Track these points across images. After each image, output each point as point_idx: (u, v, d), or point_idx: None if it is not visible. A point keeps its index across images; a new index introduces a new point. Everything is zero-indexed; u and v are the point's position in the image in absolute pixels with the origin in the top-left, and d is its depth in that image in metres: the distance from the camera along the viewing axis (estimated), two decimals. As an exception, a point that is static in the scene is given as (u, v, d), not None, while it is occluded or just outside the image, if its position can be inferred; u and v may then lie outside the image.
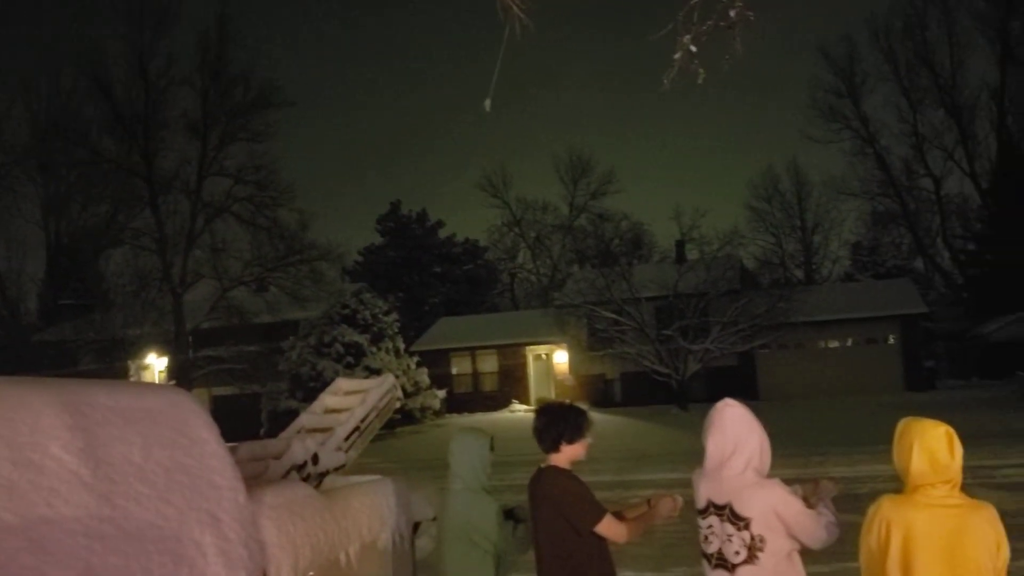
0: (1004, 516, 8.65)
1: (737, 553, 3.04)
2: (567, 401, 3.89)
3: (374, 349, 28.67)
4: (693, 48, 3.52)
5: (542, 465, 3.71)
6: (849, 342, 32.35)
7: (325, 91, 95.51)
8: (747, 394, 30.34)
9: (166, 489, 2.97)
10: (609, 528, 3.51)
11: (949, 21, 48.83)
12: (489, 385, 34.88)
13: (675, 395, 28.63)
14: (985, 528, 2.82)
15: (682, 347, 28.37)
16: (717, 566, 3.12)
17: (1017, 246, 42.04)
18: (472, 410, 31.75)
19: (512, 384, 34.49)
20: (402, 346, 30.12)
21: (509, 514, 4.04)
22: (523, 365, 34.82)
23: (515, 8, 3.33)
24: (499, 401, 33.45)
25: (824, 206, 57.22)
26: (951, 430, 2.91)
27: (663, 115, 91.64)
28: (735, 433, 3.14)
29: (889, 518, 2.94)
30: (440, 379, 32.21)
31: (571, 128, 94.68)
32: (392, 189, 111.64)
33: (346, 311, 29.15)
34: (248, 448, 4.62)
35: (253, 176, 33.20)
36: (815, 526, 3.08)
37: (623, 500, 6.73)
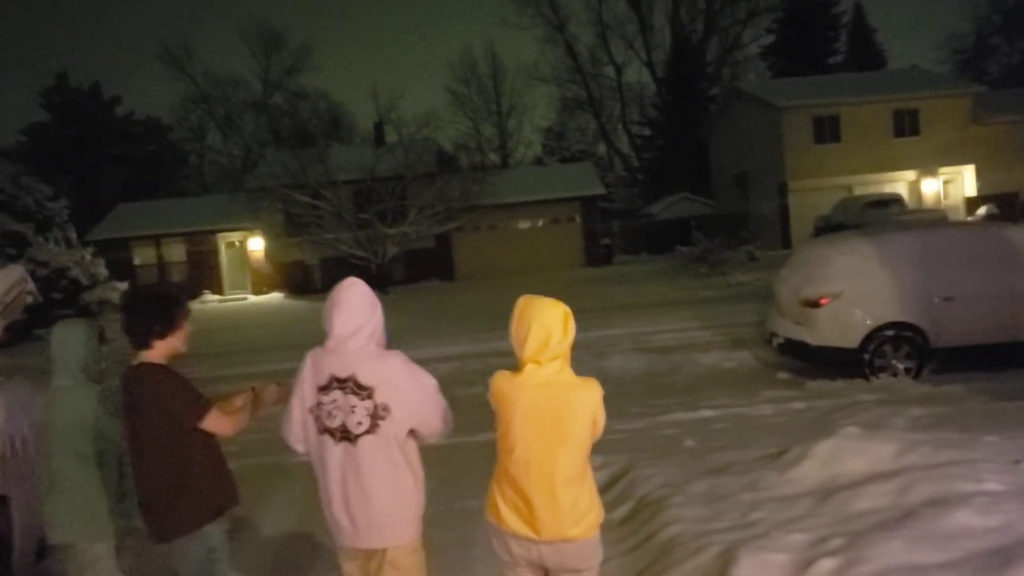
0: (656, 376, 9.55)
1: (360, 424, 3.04)
2: (165, 289, 3.59)
3: (40, 239, 25.80)
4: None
5: (133, 362, 3.39)
6: (540, 223, 34.12)
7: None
8: (443, 275, 31.25)
9: None
10: (215, 422, 3.35)
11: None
12: (177, 275, 32.70)
13: (374, 279, 28.74)
14: (585, 404, 2.94)
15: (380, 231, 28.34)
16: (342, 439, 3.08)
17: (684, 132, 46.42)
18: (159, 302, 29.75)
19: (203, 273, 32.66)
20: (74, 235, 27.32)
21: None
22: (214, 253, 33.00)
23: None
24: (189, 292, 31.65)
25: (518, 91, 59.38)
26: (568, 310, 2.99)
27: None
28: (360, 310, 3.15)
29: (501, 393, 3.01)
30: (121, 270, 29.73)
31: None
32: (58, 60, 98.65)
33: (2, 197, 25.97)
34: None
35: None
36: (436, 404, 3.16)
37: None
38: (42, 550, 4.69)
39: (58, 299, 24.94)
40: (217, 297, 31.88)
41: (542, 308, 2.95)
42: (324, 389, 3.12)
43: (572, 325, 2.97)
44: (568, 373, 2.97)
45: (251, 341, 18.97)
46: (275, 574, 5.29)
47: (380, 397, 3.02)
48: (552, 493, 2.88)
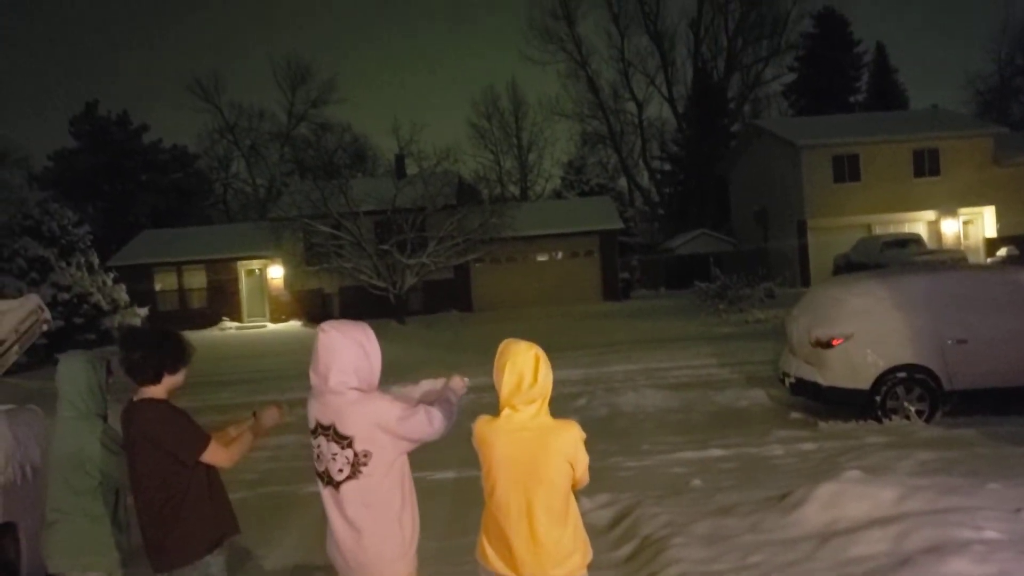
0: (669, 413, 9.49)
1: (340, 471, 3.10)
2: (158, 329, 3.68)
3: (63, 264, 26.23)
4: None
5: (134, 398, 3.47)
6: (559, 255, 34.21)
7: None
8: (462, 306, 31.36)
9: None
10: (215, 455, 3.41)
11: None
12: (197, 302, 33.08)
13: (393, 309, 28.89)
14: (560, 448, 2.98)
15: (399, 261, 28.54)
16: (327, 484, 3.17)
17: (704, 167, 46.53)
18: (179, 328, 29.92)
19: (223, 300, 32.98)
20: (96, 261, 27.73)
21: None
22: (234, 280, 33.30)
23: None
24: (208, 318, 31.90)
25: (539, 125, 59.77)
26: (541, 353, 3.04)
27: (388, 22, 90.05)
28: (327, 357, 3.16)
29: (481, 437, 3.09)
30: (142, 296, 30.11)
31: (288, 31, 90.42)
32: (87, 89, 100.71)
33: (28, 222, 26.43)
34: None
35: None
36: (420, 423, 3.14)
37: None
38: (51, 576, 4.76)
39: (80, 324, 25.28)
40: (235, 324, 32.12)
41: (516, 352, 3.02)
42: (312, 433, 3.21)
43: (545, 369, 3.01)
44: (544, 417, 3.02)
45: (283, 368, 18.96)
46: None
47: (360, 445, 3.07)
48: (532, 534, 2.94)
